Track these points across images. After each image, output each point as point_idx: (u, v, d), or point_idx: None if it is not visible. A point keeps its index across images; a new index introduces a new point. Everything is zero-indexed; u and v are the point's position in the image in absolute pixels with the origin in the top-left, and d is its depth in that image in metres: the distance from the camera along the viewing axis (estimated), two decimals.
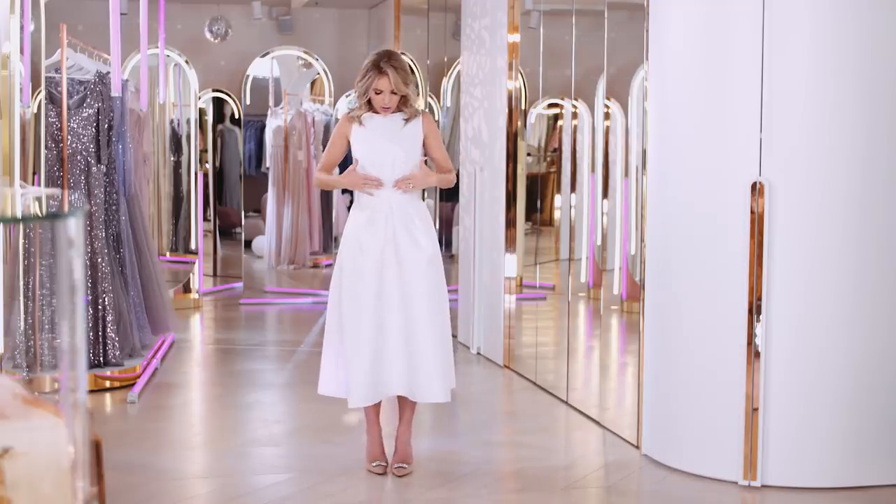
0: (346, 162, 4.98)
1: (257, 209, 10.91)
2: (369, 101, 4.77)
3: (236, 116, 11.16)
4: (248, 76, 10.62)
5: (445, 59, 8.46)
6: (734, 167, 4.62)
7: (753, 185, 4.55)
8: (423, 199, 8.46)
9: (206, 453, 5.24)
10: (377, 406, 4.83)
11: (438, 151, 4.86)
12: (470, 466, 4.89)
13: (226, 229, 11.21)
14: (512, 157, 6.98)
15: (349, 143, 4.82)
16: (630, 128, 5.50)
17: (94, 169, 6.47)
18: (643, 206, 5.09)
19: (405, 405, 4.83)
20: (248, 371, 6.96)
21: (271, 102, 10.63)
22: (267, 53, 10.72)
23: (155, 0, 8.76)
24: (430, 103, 8.81)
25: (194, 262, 9.72)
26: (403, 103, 4.77)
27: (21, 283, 5.99)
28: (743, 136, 4.60)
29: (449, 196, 8.33)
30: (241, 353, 7.55)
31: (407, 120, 4.78)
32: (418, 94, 5.03)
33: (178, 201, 9.97)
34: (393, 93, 4.70)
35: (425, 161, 4.86)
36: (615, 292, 5.71)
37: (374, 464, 4.78)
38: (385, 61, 4.68)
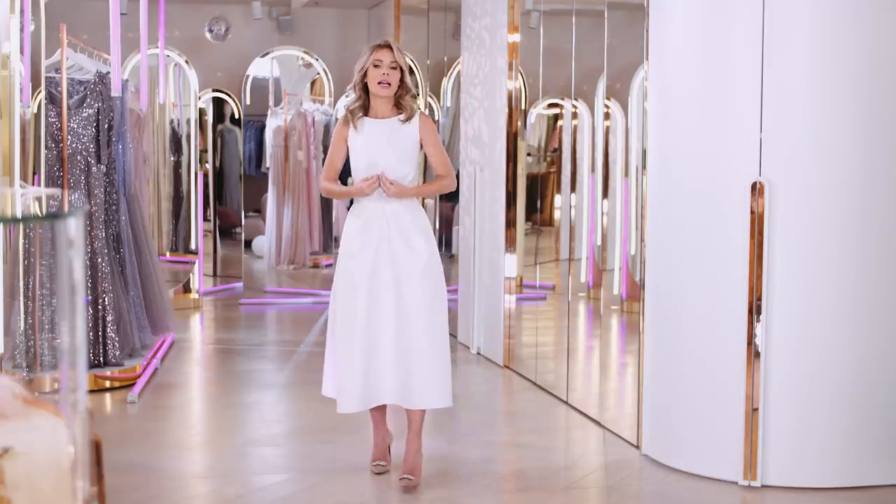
0: (345, 171, 4.92)
1: (257, 209, 10.91)
2: (366, 93, 4.68)
3: (236, 116, 11.15)
4: (248, 76, 10.62)
5: (445, 59, 8.46)
6: (734, 167, 4.62)
7: (753, 185, 4.55)
8: (423, 203, 8.48)
9: (206, 453, 5.24)
10: (382, 408, 4.80)
11: (436, 155, 4.74)
12: (470, 466, 4.89)
13: (226, 229, 11.21)
14: (512, 157, 6.97)
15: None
16: (630, 128, 5.49)
17: (94, 169, 6.47)
18: (643, 206, 5.09)
19: (412, 413, 4.70)
20: (248, 371, 6.96)
21: (271, 102, 10.63)
22: (267, 53, 10.72)
23: (155, 0, 8.76)
24: (430, 103, 8.81)
25: (194, 262, 9.71)
26: (401, 97, 4.67)
27: (21, 283, 5.99)
28: (743, 136, 4.60)
29: (449, 196, 8.33)
30: (241, 353, 7.55)
31: (403, 121, 4.68)
32: (416, 97, 4.91)
33: (178, 201, 9.96)
34: (392, 67, 4.62)
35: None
36: (615, 292, 5.70)
37: (374, 464, 4.78)
38: (386, 41, 4.71)
